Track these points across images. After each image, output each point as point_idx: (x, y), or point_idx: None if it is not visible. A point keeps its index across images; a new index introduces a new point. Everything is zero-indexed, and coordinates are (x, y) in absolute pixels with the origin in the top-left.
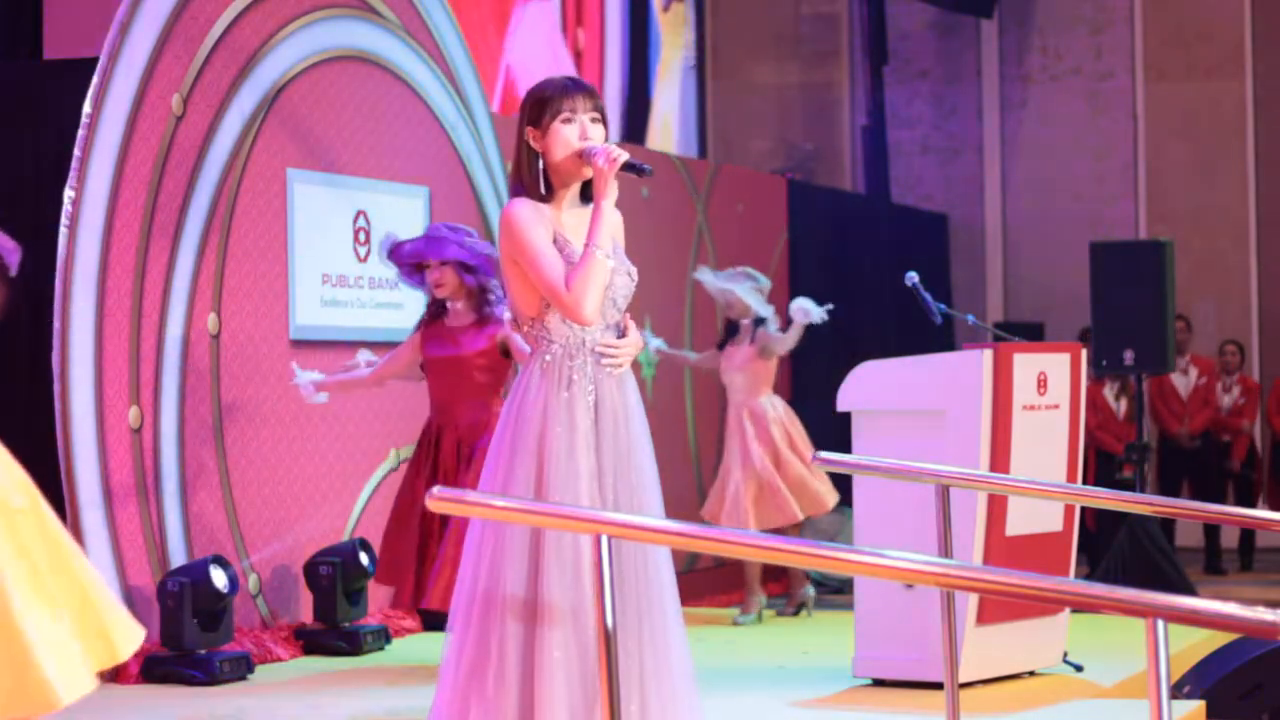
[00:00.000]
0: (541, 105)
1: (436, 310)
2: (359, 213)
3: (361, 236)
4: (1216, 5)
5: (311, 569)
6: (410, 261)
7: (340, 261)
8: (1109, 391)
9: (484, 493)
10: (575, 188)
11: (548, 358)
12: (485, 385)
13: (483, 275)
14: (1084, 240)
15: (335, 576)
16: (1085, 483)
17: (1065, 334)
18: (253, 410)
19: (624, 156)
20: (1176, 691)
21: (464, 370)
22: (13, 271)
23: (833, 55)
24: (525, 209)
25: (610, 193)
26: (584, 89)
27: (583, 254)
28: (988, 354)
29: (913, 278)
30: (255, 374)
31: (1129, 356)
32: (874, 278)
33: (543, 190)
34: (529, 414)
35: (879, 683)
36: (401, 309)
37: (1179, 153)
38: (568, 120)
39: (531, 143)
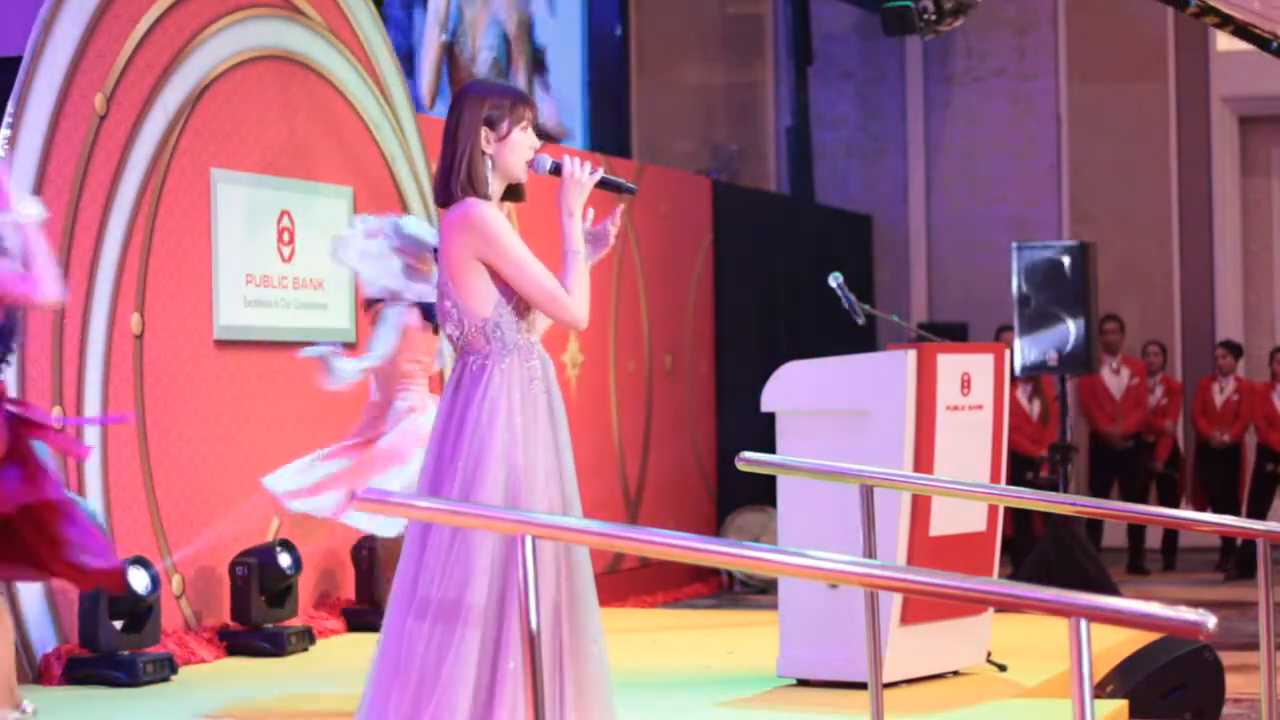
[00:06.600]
0: (502, 111)
1: None
2: (283, 213)
3: (285, 237)
4: (1139, 7)
5: (232, 570)
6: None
7: (264, 262)
8: (1022, 394)
9: (407, 494)
10: (502, 190)
11: (505, 361)
12: None
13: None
14: (1007, 241)
15: (250, 577)
16: None
17: (988, 335)
18: (176, 410)
19: (600, 171)
20: (1100, 691)
21: None
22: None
23: (757, 56)
24: (496, 211)
25: (582, 203)
26: (530, 98)
27: (570, 261)
28: (911, 354)
29: (837, 278)
30: (179, 374)
31: (1052, 358)
32: (798, 278)
33: (490, 194)
34: (489, 419)
35: (804, 683)
36: (325, 309)
37: (1102, 154)
38: (525, 129)
39: (485, 145)
